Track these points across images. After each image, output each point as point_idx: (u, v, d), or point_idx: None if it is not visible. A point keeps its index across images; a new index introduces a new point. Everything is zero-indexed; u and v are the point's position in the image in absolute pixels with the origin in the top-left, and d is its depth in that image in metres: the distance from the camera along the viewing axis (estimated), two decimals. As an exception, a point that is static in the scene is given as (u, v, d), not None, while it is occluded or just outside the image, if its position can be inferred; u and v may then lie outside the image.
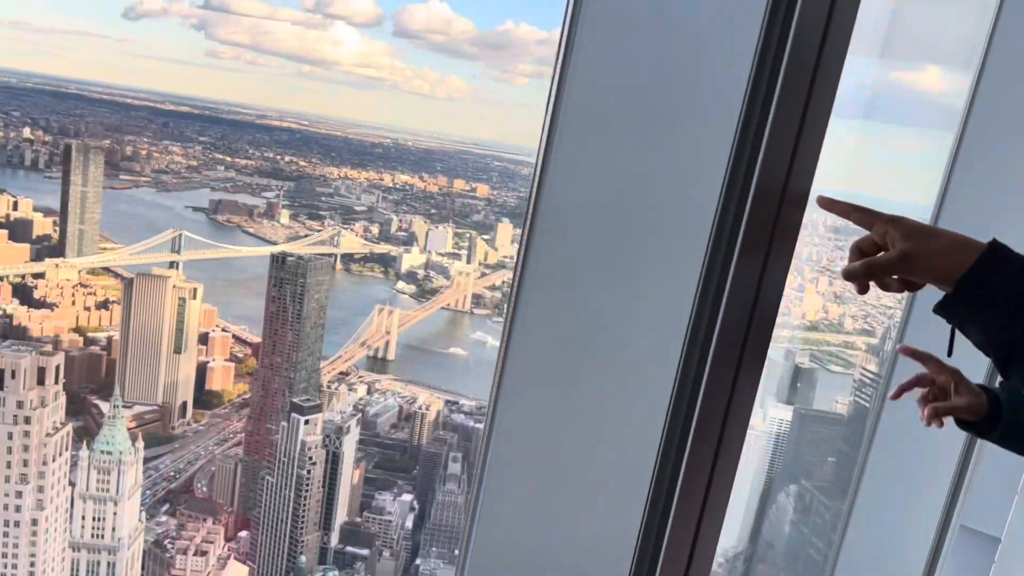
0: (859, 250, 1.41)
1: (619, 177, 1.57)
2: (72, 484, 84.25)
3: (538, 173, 1.58)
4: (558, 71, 1.56)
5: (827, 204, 1.47)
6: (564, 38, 1.54)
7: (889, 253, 1.38)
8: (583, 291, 1.58)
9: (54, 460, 77.50)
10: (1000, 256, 1.32)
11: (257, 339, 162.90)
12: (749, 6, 1.44)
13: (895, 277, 1.43)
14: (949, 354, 1.47)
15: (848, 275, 1.42)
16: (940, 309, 1.38)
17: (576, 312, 1.58)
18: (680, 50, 1.51)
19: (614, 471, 1.57)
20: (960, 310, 1.34)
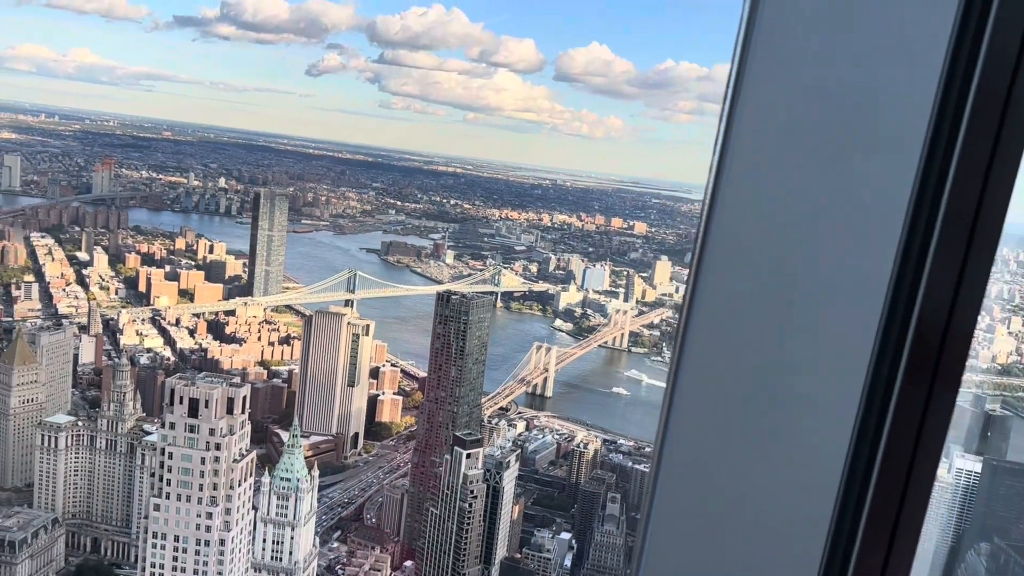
0: None
1: (792, 212, 1.47)
2: (255, 508, 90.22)
3: (707, 209, 1.49)
4: (727, 108, 1.45)
5: None
6: (734, 75, 1.46)
7: None
8: (753, 329, 1.49)
9: (240, 485, 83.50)
10: None
11: (423, 374, 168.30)
12: (934, 32, 1.32)
13: None
14: None
15: None
16: None
17: (746, 351, 1.48)
18: (859, 79, 1.40)
19: (789, 518, 1.45)
20: None
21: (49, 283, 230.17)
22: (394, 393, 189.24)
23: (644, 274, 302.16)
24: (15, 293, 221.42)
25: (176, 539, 77.96)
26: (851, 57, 1.40)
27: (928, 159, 1.30)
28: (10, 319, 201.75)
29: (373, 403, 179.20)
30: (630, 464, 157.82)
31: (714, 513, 1.53)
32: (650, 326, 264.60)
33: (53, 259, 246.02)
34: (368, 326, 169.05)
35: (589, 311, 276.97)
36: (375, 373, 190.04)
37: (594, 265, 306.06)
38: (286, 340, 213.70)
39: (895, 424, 1.35)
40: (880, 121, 1.36)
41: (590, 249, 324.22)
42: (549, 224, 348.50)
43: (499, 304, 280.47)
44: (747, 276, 1.49)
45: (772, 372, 1.46)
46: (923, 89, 1.30)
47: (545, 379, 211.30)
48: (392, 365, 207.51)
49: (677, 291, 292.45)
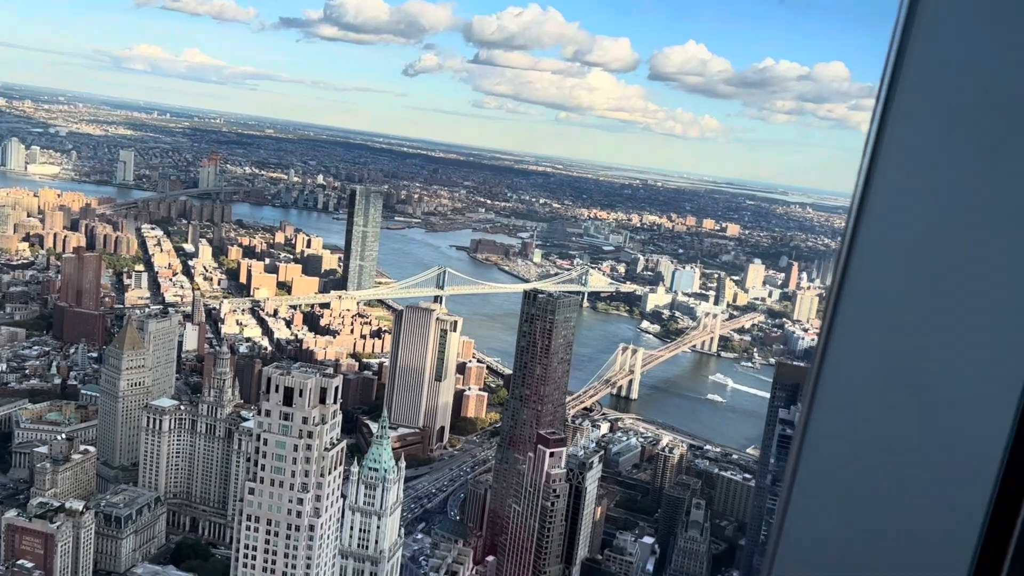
0: None
1: (948, 210, 1.41)
2: (344, 496, 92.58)
3: (855, 210, 1.42)
4: (880, 109, 1.40)
5: None
6: (888, 75, 1.41)
7: None
8: (903, 331, 1.42)
9: (330, 472, 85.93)
10: None
11: (508, 371, 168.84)
12: None
13: None
14: None
15: None
16: None
17: (894, 362, 1.41)
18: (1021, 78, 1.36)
19: (931, 549, 1.38)
20: None
21: (157, 273, 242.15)
22: (480, 389, 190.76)
23: (736, 277, 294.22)
24: (127, 282, 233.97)
25: (269, 523, 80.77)
26: (1015, 56, 1.35)
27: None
28: (121, 306, 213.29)
29: (459, 398, 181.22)
30: (716, 470, 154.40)
31: (847, 546, 1.47)
32: (741, 330, 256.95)
33: (162, 250, 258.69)
34: (456, 322, 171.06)
35: (678, 313, 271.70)
36: (462, 368, 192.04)
37: (684, 267, 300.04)
38: (377, 333, 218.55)
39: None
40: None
41: (680, 251, 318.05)
42: (639, 224, 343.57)
43: (586, 304, 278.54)
44: (897, 277, 1.42)
45: (922, 374, 1.39)
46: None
47: (631, 381, 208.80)
48: (478, 361, 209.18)
49: (770, 295, 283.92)
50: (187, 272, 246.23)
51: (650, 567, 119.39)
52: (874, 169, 1.37)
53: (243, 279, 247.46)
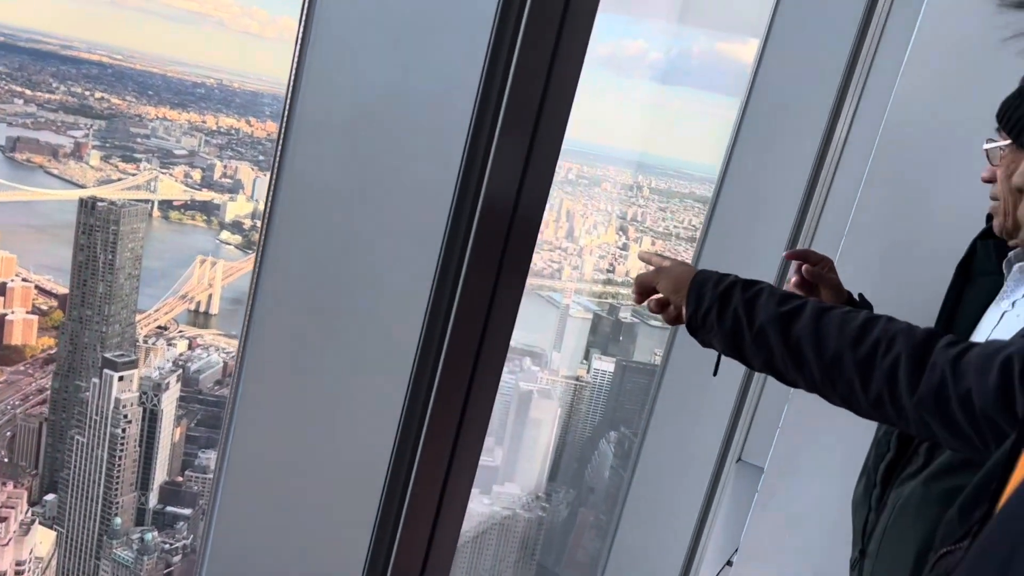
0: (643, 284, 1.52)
1: (370, 102, 1.40)
2: None
3: (288, 96, 1.38)
4: (303, 20, 1.37)
5: (643, 257, 1.56)
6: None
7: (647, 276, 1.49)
8: (326, 255, 1.46)
9: None
10: (698, 298, 1.39)
11: (64, 290, 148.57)
12: None
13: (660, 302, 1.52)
14: (714, 374, 1.52)
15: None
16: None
17: (320, 277, 1.46)
18: None
19: (357, 430, 1.49)
20: (697, 337, 1.45)
21: None
22: (27, 312, 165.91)
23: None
24: None
25: None
26: None
27: (495, 46, 1.24)
28: None
29: (0, 324, 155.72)
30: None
31: (290, 424, 1.57)
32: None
33: None
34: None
35: (259, 223, 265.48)
36: (2, 289, 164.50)
37: (265, 174, 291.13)
38: None
39: (444, 372, 1.34)
40: (449, 12, 1.31)
41: (261, 157, 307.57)
42: (215, 128, 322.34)
43: (157, 213, 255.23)
44: (328, 162, 1.42)
45: (352, 256, 1.43)
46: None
47: (210, 295, 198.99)
48: (24, 280, 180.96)
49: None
50: None
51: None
52: (305, 49, 1.33)
53: None
